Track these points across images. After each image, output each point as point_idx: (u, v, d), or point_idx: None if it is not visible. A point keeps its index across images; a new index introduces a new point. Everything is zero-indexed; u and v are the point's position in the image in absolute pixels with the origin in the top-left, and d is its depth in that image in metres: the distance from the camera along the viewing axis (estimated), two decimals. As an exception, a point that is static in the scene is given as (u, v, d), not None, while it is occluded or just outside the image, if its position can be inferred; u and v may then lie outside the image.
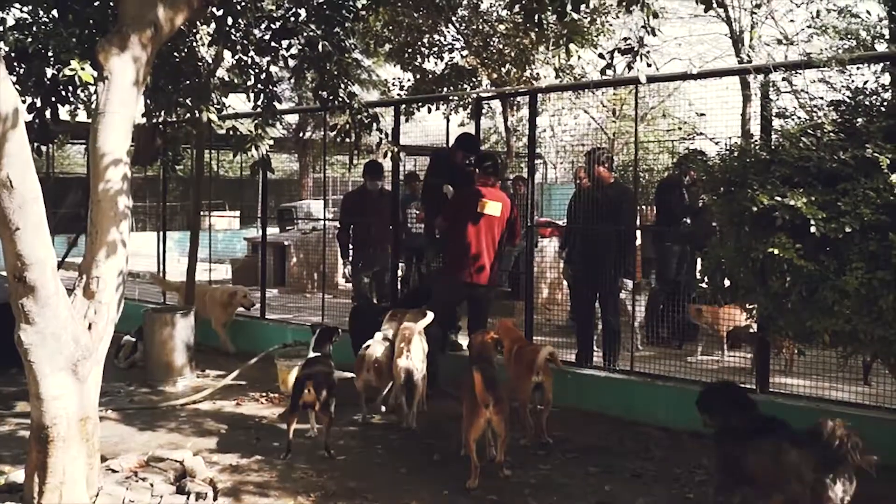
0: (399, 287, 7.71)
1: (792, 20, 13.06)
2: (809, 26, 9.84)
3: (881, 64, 4.66)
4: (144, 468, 4.54)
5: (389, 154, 6.91)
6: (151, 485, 4.28)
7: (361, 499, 4.32)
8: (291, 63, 6.59)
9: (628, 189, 7.05)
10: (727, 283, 4.23)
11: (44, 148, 6.42)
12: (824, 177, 3.67)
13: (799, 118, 4.27)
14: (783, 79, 4.91)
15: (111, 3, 5.67)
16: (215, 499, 4.21)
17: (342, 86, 6.51)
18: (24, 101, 5.57)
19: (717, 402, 4.14)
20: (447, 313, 6.73)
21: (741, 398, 4.07)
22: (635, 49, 4.78)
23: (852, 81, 4.23)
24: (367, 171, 8.23)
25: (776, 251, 3.51)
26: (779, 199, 3.56)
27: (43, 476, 3.84)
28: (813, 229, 3.47)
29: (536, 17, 5.04)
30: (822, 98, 4.26)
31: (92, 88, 5.25)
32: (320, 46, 6.15)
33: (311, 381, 4.93)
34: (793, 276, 3.60)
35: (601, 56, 5.08)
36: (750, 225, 3.78)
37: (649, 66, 4.88)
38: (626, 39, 4.88)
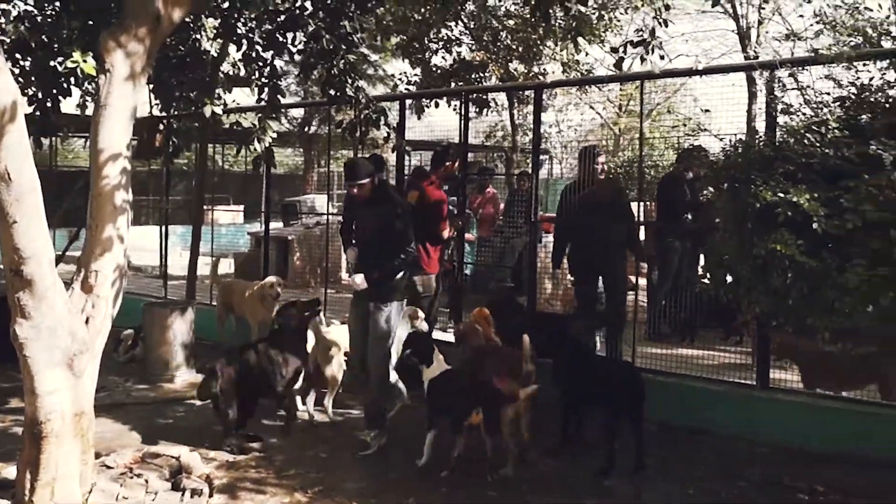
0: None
1: (801, 15, 12.94)
2: (817, 22, 9.76)
3: (887, 61, 4.59)
4: (140, 464, 4.51)
5: (396, 149, 6.86)
6: (146, 481, 4.26)
7: (360, 496, 4.29)
8: (298, 58, 6.54)
9: (619, 185, 7.09)
10: (729, 279, 4.19)
11: (45, 140, 6.40)
12: (828, 173, 3.64)
13: (804, 115, 4.22)
14: (789, 75, 4.85)
15: (114, -5, 5.65)
16: (211, 495, 4.20)
17: (349, 81, 6.45)
18: (25, 93, 5.58)
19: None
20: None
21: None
22: (648, 41, 4.75)
23: (858, 78, 4.18)
24: (369, 165, 8.16)
25: (778, 247, 3.48)
26: (782, 195, 3.53)
27: (35, 472, 3.81)
28: (815, 226, 3.45)
29: (544, 9, 5.01)
30: (827, 94, 4.21)
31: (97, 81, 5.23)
32: (324, 41, 6.10)
33: None
34: (794, 273, 3.57)
35: (614, 50, 5.04)
36: (753, 221, 3.74)
37: (662, 58, 4.85)
38: (639, 31, 4.85)
